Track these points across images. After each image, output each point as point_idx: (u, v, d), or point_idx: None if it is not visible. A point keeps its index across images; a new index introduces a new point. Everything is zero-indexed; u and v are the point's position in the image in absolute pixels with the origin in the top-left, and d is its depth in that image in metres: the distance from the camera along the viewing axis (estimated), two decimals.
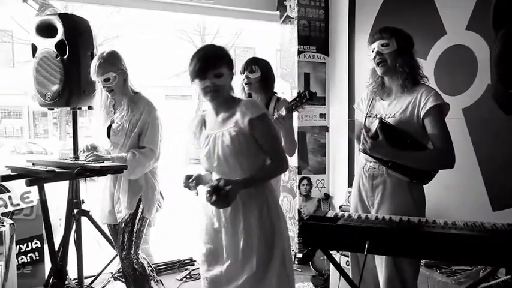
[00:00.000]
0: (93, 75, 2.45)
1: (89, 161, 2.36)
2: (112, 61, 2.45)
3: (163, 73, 17.18)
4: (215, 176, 1.92)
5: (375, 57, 2.07)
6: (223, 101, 1.88)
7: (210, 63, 1.78)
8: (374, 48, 2.08)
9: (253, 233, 1.82)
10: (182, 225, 5.48)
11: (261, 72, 2.72)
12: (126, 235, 2.53)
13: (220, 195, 1.69)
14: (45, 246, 2.99)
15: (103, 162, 2.34)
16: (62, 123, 15.40)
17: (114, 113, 2.57)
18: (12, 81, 13.74)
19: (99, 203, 2.65)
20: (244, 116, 1.80)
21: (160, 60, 16.97)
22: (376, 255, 2.08)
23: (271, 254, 1.83)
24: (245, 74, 2.70)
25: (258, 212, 1.84)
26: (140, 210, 2.52)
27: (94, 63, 2.45)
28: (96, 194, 2.71)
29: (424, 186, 2.11)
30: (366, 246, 1.61)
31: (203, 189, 1.85)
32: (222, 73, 1.80)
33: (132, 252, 2.54)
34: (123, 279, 2.74)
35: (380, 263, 2.06)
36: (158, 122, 2.51)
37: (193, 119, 2.03)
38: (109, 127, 2.55)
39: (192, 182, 1.87)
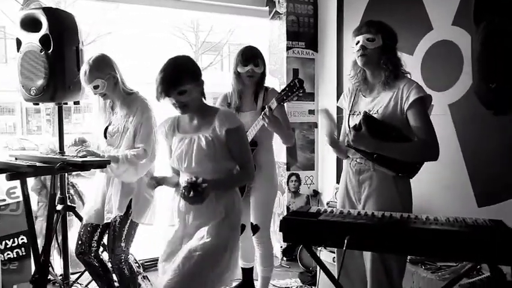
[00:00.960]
0: (83, 84, 2.45)
1: (81, 156, 2.34)
2: (99, 68, 2.41)
3: (157, 70, 17.11)
4: (183, 177, 2.01)
5: (358, 51, 2.07)
6: (195, 110, 1.98)
7: (171, 84, 1.85)
8: (359, 42, 2.07)
9: (212, 231, 1.92)
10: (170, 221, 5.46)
11: (264, 67, 2.70)
12: (111, 235, 2.50)
13: (197, 192, 1.77)
14: None
15: (86, 156, 2.32)
16: (55, 119, 15.34)
17: (112, 115, 2.55)
18: (5, 78, 13.63)
19: (90, 202, 2.61)
20: (222, 125, 1.92)
21: (154, 57, 16.89)
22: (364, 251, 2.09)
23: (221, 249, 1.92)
24: (249, 67, 2.63)
25: (223, 214, 1.96)
26: (129, 213, 2.48)
27: (82, 70, 2.44)
28: (89, 193, 2.69)
29: (410, 181, 2.11)
30: (346, 241, 1.60)
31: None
32: (184, 90, 1.87)
33: (118, 252, 2.51)
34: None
35: (367, 258, 2.06)
36: (151, 122, 2.48)
37: (167, 121, 2.11)
38: (106, 128, 2.54)
39: (152, 180, 2.08)
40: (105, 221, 2.50)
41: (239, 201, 2.08)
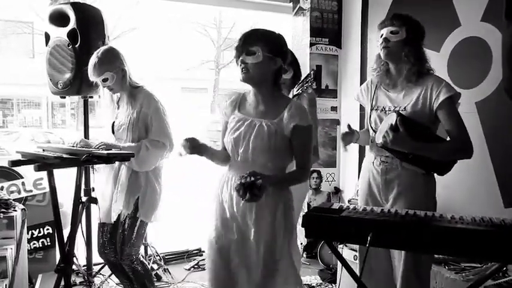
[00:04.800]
0: (91, 76, 2.40)
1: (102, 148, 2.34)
2: (108, 60, 2.39)
3: (179, 66, 17.26)
4: (235, 166, 1.87)
5: (381, 43, 2.05)
6: (265, 90, 1.83)
7: (244, 39, 1.77)
8: (382, 34, 2.05)
9: (264, 230, 1.80)
10: (191, 216, 5.51)
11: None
12: (121, 235, 2.46)
13: (253, 193, 1.63)
14: None
15: (111, 149, 2.35)
16: (79, 113, 15.65)
17: (118, 109, 2.55)
18: (32, 72, 13.98)
19: (100, 202, 2.60)
20: (291, 119, 1.77)
21: (177, 53, 17.03)
22: (395, 253, 2.08)
23: (279, 255, 1.82)
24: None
25: (273, 212, 1.82)
26: (137, 213, 2.45)
27: (90, 63, 2.40)
28: (97, 190, 2.69)
29: (435, 179, 2.09)
30: (369, 238, 1.58)
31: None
32: (253, 51, 1.74)
33: (129, 252, 2.47)
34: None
35: (398, 257, 2.05)
36: (161, 112, 2.44)
37: (230, 95, 1.96)
38: (113, 123, 2.54)
39: (189, 144, 1.83)
40: (113, 219, 2.47)
41: (292, 200, 1.92)
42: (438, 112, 1.96)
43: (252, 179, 1.62)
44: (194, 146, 1.84)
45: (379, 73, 2.14)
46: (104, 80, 2.39)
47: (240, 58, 1.76)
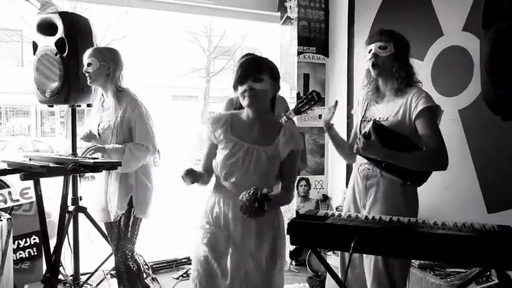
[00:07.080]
0: (84, 56, 2.52)
1: (91, 153, 2.39)
2: (104, 53, 2.51)
3: (169, 74, 17.26)
4: (224, 185, 1.88)
5: (371, 59, 2.08)
6: (264, 115, 1.87)
7: (252, 68, 1.80)
8: (371, 50, 2.08)
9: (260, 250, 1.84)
10: (180, 224, 5.50)
11: None
12: (117, 232, 2.54)
13: (262, 205, 1.64)
14: None
15: (98, 158, 2.35)
16: (68, 122, 15.55)
17: (103, 111, 2.58)
18: (21, 80, 13.89)
19: (95, 200, 2.66)
20: (287, 144, 1.84)
21: (167, 61, 17.05)
22: (364, 258, 2.09)
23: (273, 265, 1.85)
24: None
25: (270, 231, 1.86)
26: (132, 210, 2.53)
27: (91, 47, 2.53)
28: (92, 191, 2.72)
29: (418, 187, 2.10)
30: (352, 244, 1.60)
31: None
32: (262, 78, 1.78)
33: (125, 249, 2.55)
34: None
35: (368, 264, 2.06)
36: (144, 117, 2.50)
37: (219, 118, 1.92)
38: (99, 125, 2.58)
39: (190, 177, 1.79)
40: (112, 219, 2.54)
41: (282, 221, 1.94)
42: (416, 122, 1.98)
43: (265, 191, 1.64)
44: (195, 179, 1.82)
45: (369, 90, 2.19)
46: (88, 64, 2.49)
47: (247, 84, 1.77)
